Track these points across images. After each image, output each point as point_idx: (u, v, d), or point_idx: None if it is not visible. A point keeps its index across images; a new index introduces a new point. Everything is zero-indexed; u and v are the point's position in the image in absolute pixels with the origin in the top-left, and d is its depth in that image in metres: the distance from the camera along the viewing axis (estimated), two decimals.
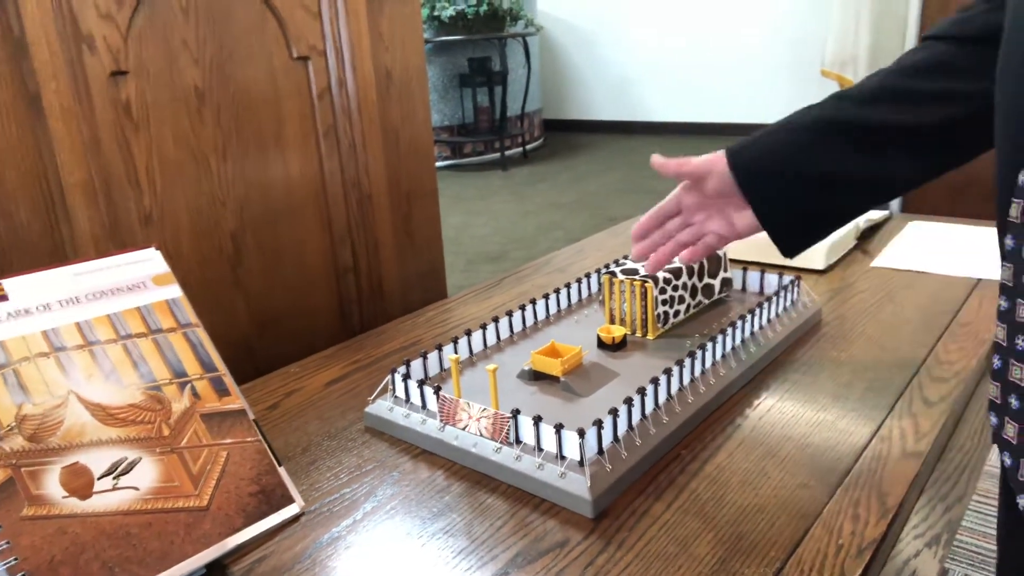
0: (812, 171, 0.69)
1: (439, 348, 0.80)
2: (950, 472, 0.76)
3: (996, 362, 0.53)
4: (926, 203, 2.64)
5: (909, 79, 0.67)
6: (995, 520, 0.61)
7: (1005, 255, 0.51)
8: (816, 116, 0.69)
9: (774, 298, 0.88)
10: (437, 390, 0.71)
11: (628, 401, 0.66)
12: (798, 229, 0.72)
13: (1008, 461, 0.52)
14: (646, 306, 0.85)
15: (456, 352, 0.81)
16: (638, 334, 0.87)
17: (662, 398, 0.70)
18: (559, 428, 0.62)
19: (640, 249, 0.80)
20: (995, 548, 0.62)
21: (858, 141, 0.67)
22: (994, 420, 0.53)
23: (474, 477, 0.66)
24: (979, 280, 1.04)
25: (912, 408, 0.73)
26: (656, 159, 0.76)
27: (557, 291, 0.96)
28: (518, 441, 0.65)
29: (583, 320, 0.93)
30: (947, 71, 0.66)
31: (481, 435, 0.67)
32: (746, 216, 0.73)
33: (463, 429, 0.68)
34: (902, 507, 0.60)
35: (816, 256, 1.12)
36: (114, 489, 0.52)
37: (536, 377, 0.77)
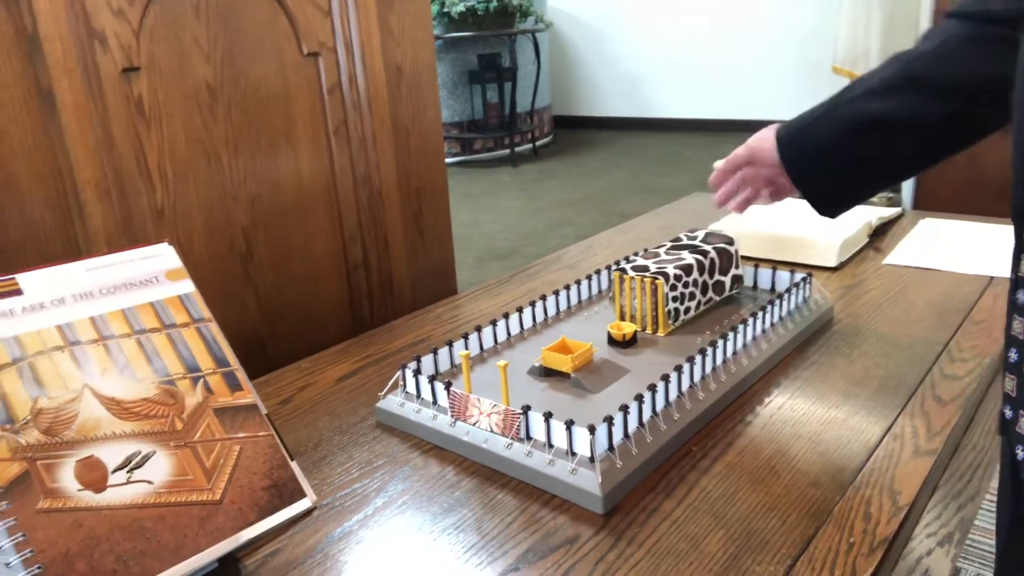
0: (852, 161, 0.75)
1: (450, 344, 0.80)
2: (963, 470, 0.75)
3: (1013, 355, 0.52)
4: (938, 200, 2.63)
5: (934, 65, 0.69)
6: None
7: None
8: (850, 116, 0.74)
9: (785, 295, 0.88)
10: (448, 386, 0.71)
11: (639, 398, 0.66)
12: (841, 201, 0.80)
13: (1023, 454, 0.52)
14: (656, 303, 0.85)
15: (467, 348, 0.81)
16: (648, 331, 0.87)
17: (673, 395, 0.70)
18: (570, 424, 0.62)
19: (721, 196, 0.88)
20: None
21: (889, 133, 0.72)
22: (1009, 413, 0.53)
23: (485, 473, 0.66)
24: (992, 278, 1.03)
25: (924, 406, 0.73)
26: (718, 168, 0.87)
27: (567, 287, 0.95)
28: (529, 437, 0.65)
29: (593, 317, 0.93)
30: (970, 55, 0.67)
31: (492, 431, 0.67)
32: None
33: (474, 425, 0.68)
34: (914, 505, 0.60)
35: (828, 254, 1.11)
36: (128, 483, 0.53)
37: (547, 373, 0.77)
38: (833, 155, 0.76)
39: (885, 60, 0.74)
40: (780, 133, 0.79)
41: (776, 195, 0.85)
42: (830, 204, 0.80)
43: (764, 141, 0.81)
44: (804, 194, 0.80)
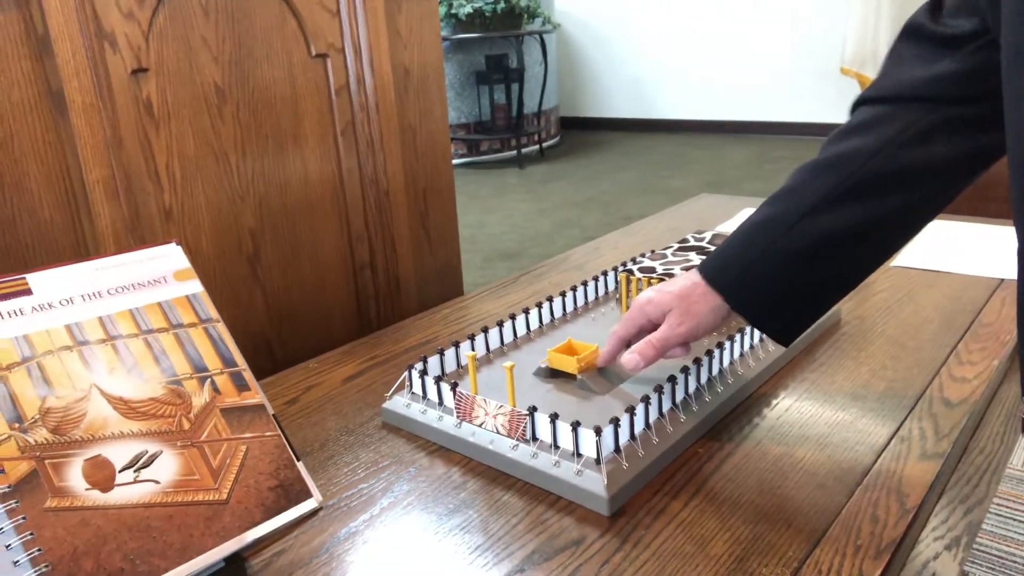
0: (819, 286, 0.67)
1: (456, 345, 0.80)
2: (971, 474, 0.75)
3: None
4: None
5: (892, 161, 0.64)
6: (1016, 523, 0.60)
7: None
8: (805, 239, 0.65)
9: None
10: (454, 387, 0.71)
11: (645, 399, 0.65)
12: (805, 327, 0.71)
13: None
14: None
15: (473, 349, 0.81)
16: None
17: (679, 397, 0.70)
18: (576, 426, 0.62)
19: (640, 364, 0.72)
20: (1016, 552, 0.61)
21: (860, 242, 0.66)
22: None
23: (490, 474, 0.66)
24: (1002, 280, 1.03)
25: (932, 409, 0.72)
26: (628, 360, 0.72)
27: (574, 289, 0.95)
28: (535, 438, 0.65)
29: (600, 318, 0.93)
30: (927, 143, 0.63)
31: (498, 432, 0.67)
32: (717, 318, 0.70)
33: (480, 426, 0.68)
34: (921, 509, 0.59)
35: None
36: (135, 482, 0.53)
37: (553, 375, 0.77)
38: (798, 287, 0.67)
39: (811, 167, 0.66)
40: (721, 284, 0.68)
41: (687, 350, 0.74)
42: (794, 334, 0.70)
43: (689, 310, 0.69)
44: (766, 331, 0.70)
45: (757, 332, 0.81)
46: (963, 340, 0.86)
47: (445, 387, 0.72)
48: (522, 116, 5.21)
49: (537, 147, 5.45)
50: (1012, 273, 1.04)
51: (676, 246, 1.03)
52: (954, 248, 1.16)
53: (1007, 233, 1.21)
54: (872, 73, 4.20)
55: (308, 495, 0.60)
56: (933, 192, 0.65)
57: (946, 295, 0.99)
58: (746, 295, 0.68)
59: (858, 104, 0.69)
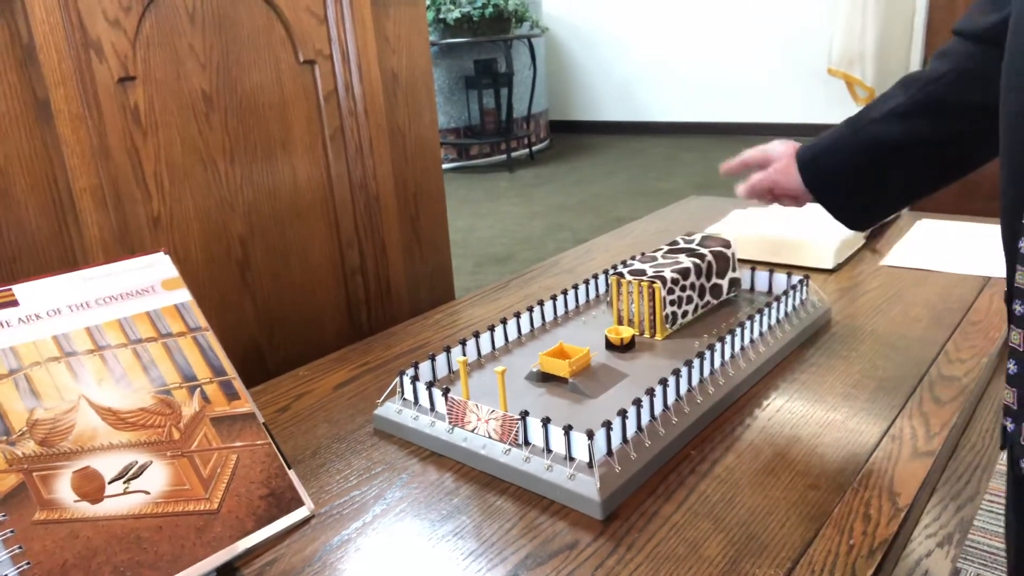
0: (873, 182, 0.77)
1: (447, 350, 0.80)
2: (962, 471, 0.75)
3: (1012, 367, 0.52)
4: (934, 201, 2.62)
5: (951, 88, 0.71)
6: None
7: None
8: (870, 138, 0.76)
9: (783, 298, 0.88)
10: (446, 392, 0.71)
11: (637, 402, 0.65)
12: (867, 218, 0.83)
13: None
14: (654, 307, 0.85)
15: (464, 354, 0.81)
16: (646, 335, 0.87)
17: (671, 399, 0.70)
18: (568, 429, 0.62)
19: (746, 192, 0.88)
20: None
21: (911, 154, 0.74)
22: (1010, 426, 0.53)
23: (483, 479, 0.66)
24: (989, 278, 1.03)
25: (923, 407, 0.73)
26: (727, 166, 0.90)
27: (565, 292, 0.95)
28: (527, 443, 0.65)
29: (591, 321, 0.93)
30: (985, 77, 0.65)
31: (490, 437, 0.67)
32: None
33: (472, 431, 0.68)
34: (913, 507, 0.60)
35: (825, 255, 1.11)
36: (125, 493, 0.53)
37: (544, 379, 0.77)
38: (854, 177, 0.78)
39: (901, 81, 0.75)
40: (801, 156, 0.82)
41: (797, 204, 0.88)
42: (857, 221, 0.82)
43: (787, 168, 0.83)
44: (830, 212, 0.81)
45: (747, 333, 0.81)
46: (952, 338, 0.87)
47: (437, 393, 0.71)
48: (511, 120, 5.22)
49: (527, 151, 5.46)
50: (999, 271, 1.05)
51: (666, 248, 1.03)
52: (941, 247, 1.17)
53: (994, 232, 1.21)
54: (859, 74, 4.23)
55: (300, 503, 0.60)
56: (983, 131, 0.67)
57: (935, 293, 1.00)
58: (814, 172, 0.81)
59: (954, 33, 0.74)
